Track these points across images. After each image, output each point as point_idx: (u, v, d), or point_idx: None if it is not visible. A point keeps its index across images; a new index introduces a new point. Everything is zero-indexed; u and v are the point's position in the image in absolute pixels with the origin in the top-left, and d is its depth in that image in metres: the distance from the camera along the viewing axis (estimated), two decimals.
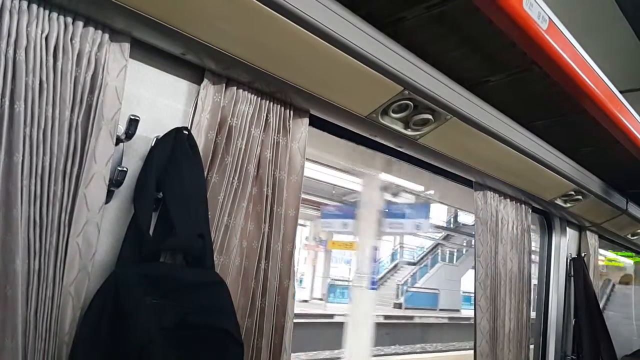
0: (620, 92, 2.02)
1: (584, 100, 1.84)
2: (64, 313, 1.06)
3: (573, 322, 3.30)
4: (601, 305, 3.53)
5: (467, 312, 21.97)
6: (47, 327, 1.05)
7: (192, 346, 1.14)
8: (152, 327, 1.07)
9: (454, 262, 24.15)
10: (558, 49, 1.52)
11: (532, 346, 3.08)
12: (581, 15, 2.56)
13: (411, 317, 17.96)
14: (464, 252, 24.37)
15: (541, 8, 1.42)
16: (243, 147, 1.38)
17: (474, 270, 2.52)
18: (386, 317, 16.83)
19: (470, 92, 1.77)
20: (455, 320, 19.49)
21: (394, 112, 1.63)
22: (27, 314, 1.02)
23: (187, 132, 1.27)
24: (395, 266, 23.86)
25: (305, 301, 20.05)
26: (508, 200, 2.65)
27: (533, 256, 2.85)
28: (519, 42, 1.47)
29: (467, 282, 23.87)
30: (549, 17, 1.45)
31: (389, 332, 15.54)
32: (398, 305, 20.09)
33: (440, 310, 20.62)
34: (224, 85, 1.36)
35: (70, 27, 1.06)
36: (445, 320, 19.19)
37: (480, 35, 1.48)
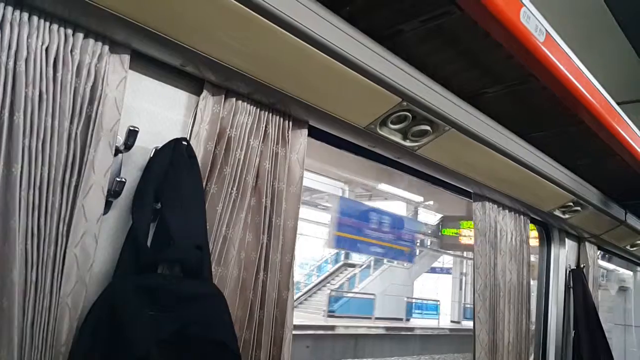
0: (618, 103, 2.03)
1: (582, 112, 1.84)
2: (61, 324, 1.06)
3: (572, 333, 3.28)
4: None
5: (418, 321, 19.04)
6: (44, 339, 1.04)
7: (189, 358, 1.13)
8: (149, 339, 1.07)
9: (404, 263, 20.34)
10: (555, 61, 1.53)
11: (531, 358, 3.06)
12: (578, 27, 2.58)
13: (332, 327, 14.60)
14: (417, 253, 20.46)
15: (538, 21, 1.42)
16: (242, 157, 1.38)
17: (472, 280, 2.50)
18: (297, 327, 14.07)
19: (468, 104, 1.77)
20: (396, 331, 16.16)
21: (392, 123, 1.64)
22: (24, 325, 1.01)
23: (186, 143, 1.27)
24: (338, 269, 20.39)
25: None
26: (507, 211, 2.65)
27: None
28: (516, 54, 1.48)
29: (421, 287, 21.48)
30: (546, 30, 1.46)
31: (310, 345, 13.11)
32: (328, 313, 16.73)
33: (377, 319, 17.09)
34: (223, 96, 1.36)
35: (71, 39, 1.07)
36: (382, 331, 15.76)
37: (478, 47, 1.49)
